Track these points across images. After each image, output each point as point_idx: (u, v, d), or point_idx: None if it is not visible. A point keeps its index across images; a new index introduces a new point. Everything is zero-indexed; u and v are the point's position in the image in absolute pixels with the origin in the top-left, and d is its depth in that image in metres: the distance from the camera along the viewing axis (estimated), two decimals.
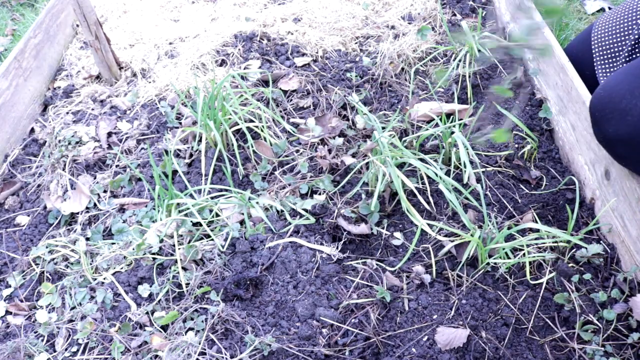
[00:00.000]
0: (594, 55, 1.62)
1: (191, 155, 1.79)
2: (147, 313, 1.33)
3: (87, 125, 1.95)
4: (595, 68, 1.61)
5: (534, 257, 1.38)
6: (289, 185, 1.64)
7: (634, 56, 1.50)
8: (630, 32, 1.51)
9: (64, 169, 1.77)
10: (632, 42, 1.50)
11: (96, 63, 2.13)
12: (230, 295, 1.35)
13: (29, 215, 1.68)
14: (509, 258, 1.39)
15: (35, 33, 2.18)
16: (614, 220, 1.40)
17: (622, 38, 1.53)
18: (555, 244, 1.40)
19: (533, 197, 1.56)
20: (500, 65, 1.96)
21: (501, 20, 2.27)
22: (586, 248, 1.37)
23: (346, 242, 1.49)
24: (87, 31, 1.99)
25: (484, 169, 1.63)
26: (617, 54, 1.55)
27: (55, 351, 1.30)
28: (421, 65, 2.06)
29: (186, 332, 1.28)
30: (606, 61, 1.58)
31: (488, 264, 1.38)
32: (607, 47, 1.58)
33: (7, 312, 1.41)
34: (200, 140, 1.79)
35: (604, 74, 1.58)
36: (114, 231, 1.54)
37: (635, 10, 1.52)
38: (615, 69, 1.55)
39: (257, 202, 1.56)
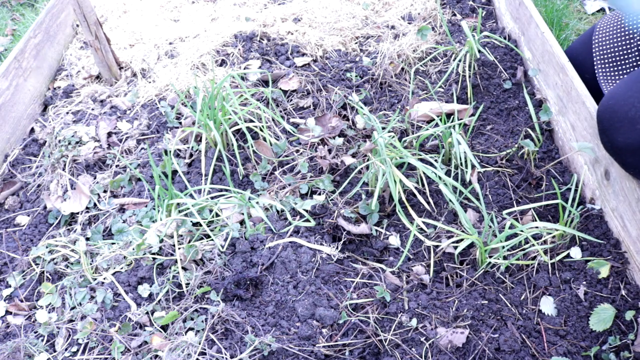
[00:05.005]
0: (595, 60, 1.61)
1: (191, 155, 1.79)
2: (147, 313, 1.33)
3: (87, 125, 1.95)
4: (597, 72, 1.60)
5: (533, 257, 1.38)
6: (289, 185, 1.64)
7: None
8: (632, 37, 1.50)
9: (64, 169, 1.77)
10: (638, 49, 1.49)
11: (96, 63, 2.13)
12: (230, 295, 1.35)
13: (29, 215, 1.68)
14: (507, 258, 1.39)
15: (35, 33, 2.18)
16: (613, 221, 1.40)
17: (626, 45, 1.52)
18: (554, 243, 1.40)
19: (533, 197, 1.56)
20: (500, 65, 1.96)
21: (501, 20, 2.27)
22: (581, 246, 1.37)
23: (346, 242, 1.49)
24: (87, 31, 2.00)
25: (484, 169, 1.63)
26: (620, 60, 1.54)
27: (55, 351, 1.30)
28: (421, 65, 2.06)
29: (186, 332, 1.28)
30: (609, 67, 1.57)
31: (488, 264, 1.38)
32: (610, 53, 1.57)
33: (7, 312, 1.41)
34: (200, 140, 1.79)
35: (606, 80, 1.57)
36: (114, 231, 1.54)
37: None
38: (620, 76, 1.54)
39: (257, 202, 1.56)
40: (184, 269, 1.41)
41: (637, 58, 1.50)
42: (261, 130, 1.79)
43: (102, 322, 1.33)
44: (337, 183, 1.66)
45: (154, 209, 1.59)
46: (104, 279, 1.42)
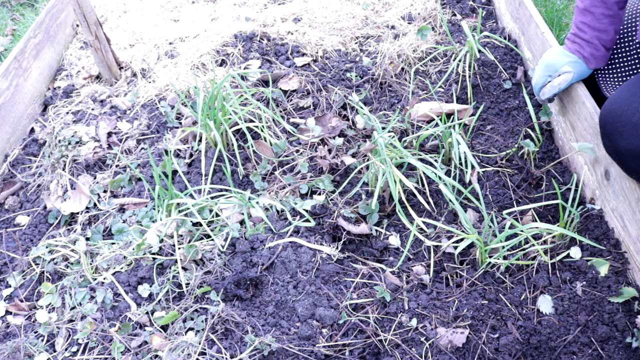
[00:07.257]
0: None
1: (191, 155, 1.79)
2: (147, 313, 1.33)
3: (87, 125, 1.95)
4: (596, 75, 1.60)
5: (533, 257, 1.38)
6: (289, 185, 1.64)
7: (637, 61, 1.49)
8: (632, 40, 1.50)
9: (64, 169, 1.77)
10: (637, 53, 1.48)
11: (96, 63, 2.13)
12: (230, 295, 1.35)
13: (29, 215, 1.68)
14: (507, 258, 1.39)
15: (35, 33, 2.18)
16: (613, 221, 1.40)
17: (626, 48, 1.52)
18: (554, 243, 1.40)
19: (533, 197, 1.56)
20: (500, 65, 1.96)
21: (501, 20, 2.27)
22: (581, 246, 1.37)
23: (346, 242, 1.49)
24: (87, 31, 2.00)
25: (484, 169, 1.63)
26: (621, 64, 1.53)
27: (55, 351, 1.30)
28: (421, 65, 2.06)
29: (186, 332, 1.28)
30: (609, 70, 1.56)
31: (488, 264, 1.38)
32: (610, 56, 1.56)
33: (7, 312, 1.41)
34: (200, 140, 1.79)
35: (606, 83, 1.57)
36: (114, 231, 1.54)
37: (634, 15, 1.52)
38: (620, 79, 1.53)
39: (257, 202, 1.56)
40: (184, 269, 1.41)
41: (638, 62, 1.49)
42: (261, 130, 1.79)
43: (102, 322, 1.33)
44: (337, 183, 1.66)
45: (154, 209, 1.59)
46: (104, 279, 1.42)
